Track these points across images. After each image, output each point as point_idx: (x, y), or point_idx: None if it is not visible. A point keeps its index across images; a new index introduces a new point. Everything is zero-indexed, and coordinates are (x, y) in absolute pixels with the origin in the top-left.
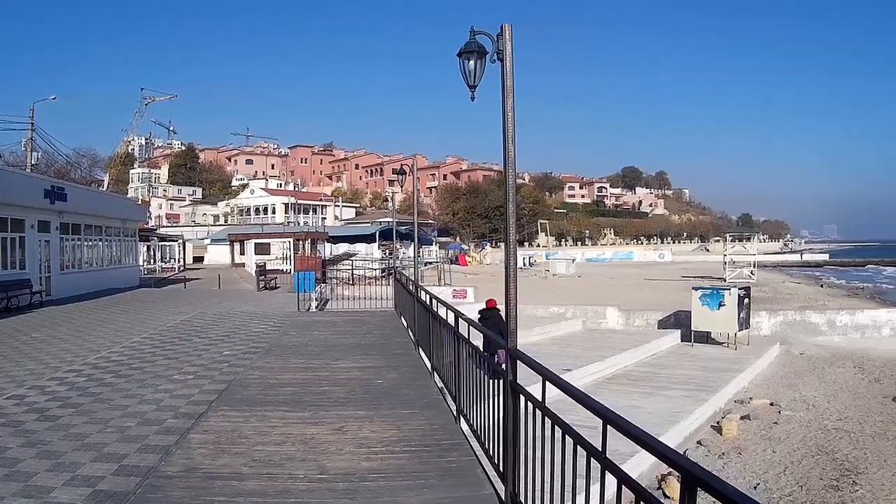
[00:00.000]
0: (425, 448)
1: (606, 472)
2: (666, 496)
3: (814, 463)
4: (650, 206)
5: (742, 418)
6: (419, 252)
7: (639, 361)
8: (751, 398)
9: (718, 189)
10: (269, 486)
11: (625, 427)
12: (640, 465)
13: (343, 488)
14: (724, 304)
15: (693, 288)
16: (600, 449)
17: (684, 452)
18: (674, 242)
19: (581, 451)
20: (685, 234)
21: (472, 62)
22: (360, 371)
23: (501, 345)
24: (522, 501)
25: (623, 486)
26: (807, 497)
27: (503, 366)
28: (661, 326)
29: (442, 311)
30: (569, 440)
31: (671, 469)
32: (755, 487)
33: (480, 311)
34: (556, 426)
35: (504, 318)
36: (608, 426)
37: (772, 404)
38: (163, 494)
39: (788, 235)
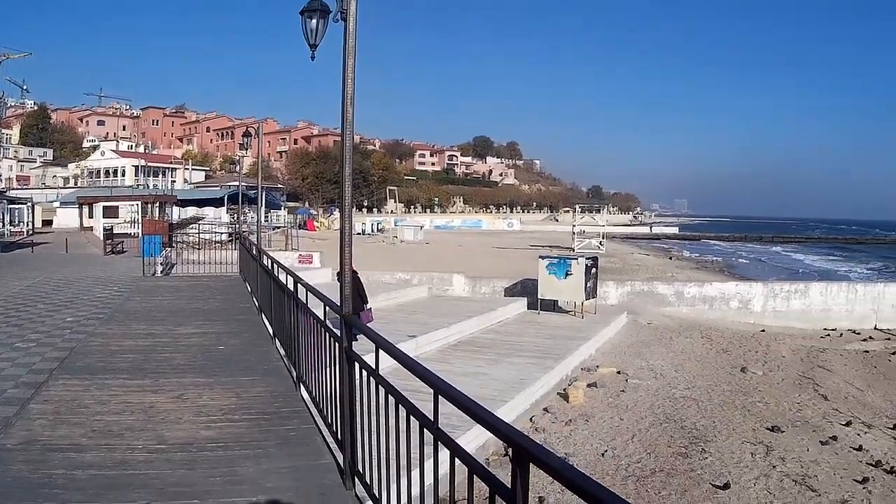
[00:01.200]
0: (265, 416)
1: (440, 444)
2: None
3: (662, 430)
4: (500, 175)
5: (589, 386)
6: (268, 217)
7: (485, 328)
8: (598, 366)
9: (570, 161)
10: (107, 458)
11: (456, 398)
12: (486, 431)
13: (181, 458)
14: (571, 274)
15: (540, 257)
16: (433, 419)
17: (531, 419)
18: (523, 212)
19: (416, 423)
20: (535, 204)
21: (314, 21)
22: (202, 337)
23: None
24: (361, 471)
25: (456, 459)
26: (656, 464)
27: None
28: (508, 294)
29: (284, 277)
30: (403, 410)
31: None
32: (603, 454)
33: (338, 274)
34: (389, 395)
35: (344, 282)
36: (439, 396)
37: (619, 372)
38: (2, 469)
39: (639, 208)
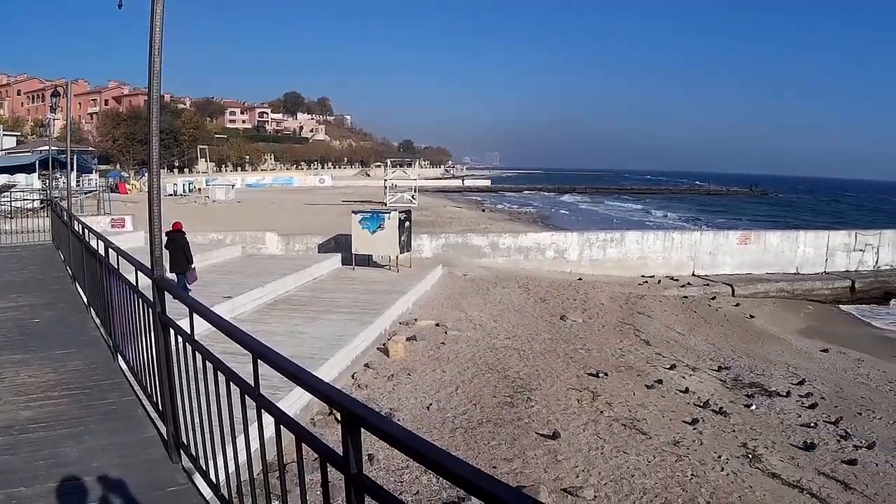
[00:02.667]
0: (84, 391)
1: (263, 410)
2: (338, 421)
3: (486, 381)
4: (311, 132)
5: (409, 339)
6: (79, 181)
7: (300, 286)
8: (416, 319)
9: (381, 116)
10: None
11: (277, 362)
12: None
13: (3, 443)
14: (383, 228)
15: (353, 212)
16: (253, 385)
17: (353, 376)
18: (335, 168)
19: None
20: (346, 159)
21: None
22: (17, 311)
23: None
24: (185, 443)
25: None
26: (482, 415)
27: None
28: (322, 250)
29: (95, 242)
30: (223, 376)
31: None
32: (428, 408)
33: (167, 233)
34: (207, 361)
35: (154, 244)
36: (258, 360)
37: (438, 325)
38: None
39: (450, 162)
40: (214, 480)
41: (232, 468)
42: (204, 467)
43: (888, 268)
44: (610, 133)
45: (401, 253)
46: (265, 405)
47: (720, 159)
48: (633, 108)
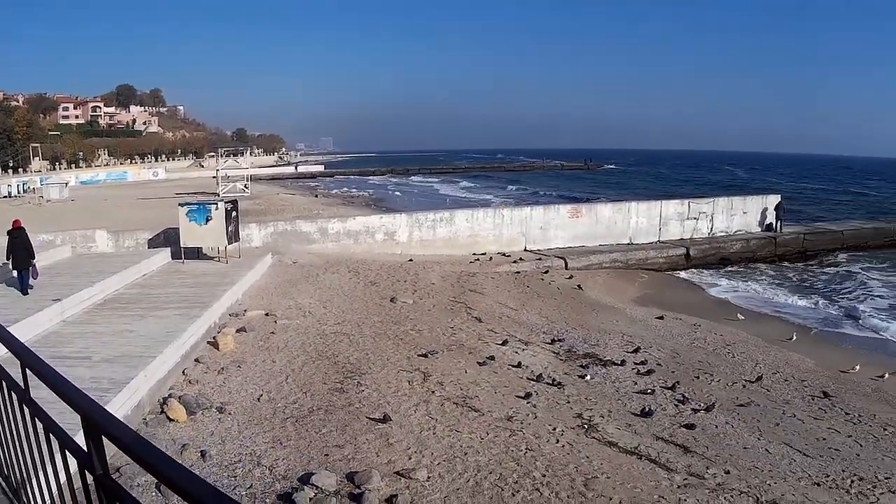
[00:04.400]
0: None
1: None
2: (170, 419)
3: (316, 368)
4: (144, 124)
5: (238, 331)
6: None
7: (129, 283)
8: (245, 310)
9: (214, 105)
10: None
11: (40, 370)
12: (139, 390)
13: None
14: (211, 219)
15: (180, 204)
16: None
17: (184, 372)
18: (168, 160)
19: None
20: (180, 150)
21: None
22: None
23: None
24: None
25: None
26: (313, 402)
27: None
28: (152, 245)
29: None
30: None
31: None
32: (259, 399)
33: (8, 232)
34: None
35: None
36: (27, 368)
37: (267, 314)
38: None
39: (284, 149)
40: None
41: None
42: None
43: (723, 234)
44: (450, 114)
45: (229, 244)
46: (36, 411)
47: (558, 135)
48: (467, 87)
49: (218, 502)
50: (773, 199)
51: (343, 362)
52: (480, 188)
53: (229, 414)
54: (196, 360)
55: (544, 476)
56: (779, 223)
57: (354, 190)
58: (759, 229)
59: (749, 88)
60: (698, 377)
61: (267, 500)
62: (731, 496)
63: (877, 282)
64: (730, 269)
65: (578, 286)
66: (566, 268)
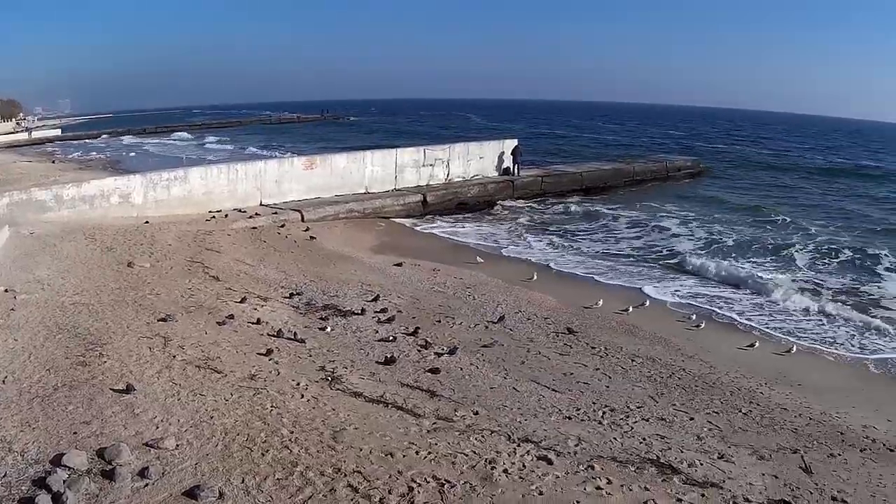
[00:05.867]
0: None
1: None
2: None
3: (57, 343)
4: None
5: None
6: None
7: None
8: None
9: None
10: None
11: None
12: None
13: None
14: None
15: None
16: None
17: None
18: None
19: None
20: None
21: None
22: None
23: None
24: None
25: None
26: (57, 379)
27: None
28: None
29: None
30: None
31: None
32: (3, 381)
33: None
34: None
35: None
36: None
37: (6, 290)
38: None
39: (21, 114)
40: None
41: None
42: None
43: (459, 179)
44: (194, 70)
45: None
46: None
47: (296, 88)
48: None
49: None
50: (510, 144)
51: (84, 334)
52: (213, 143)
53: None
54: None
55: (292, 433)
56: (516, 167)
57: (94, 154)
58: (497, 174)
59: (487, 40)
60: (440, 321)
61: (22, 488)
62: (483, 436)
63: (616, 222)
64: (468, 213)
65: (314, 238)
66: (302, 220)
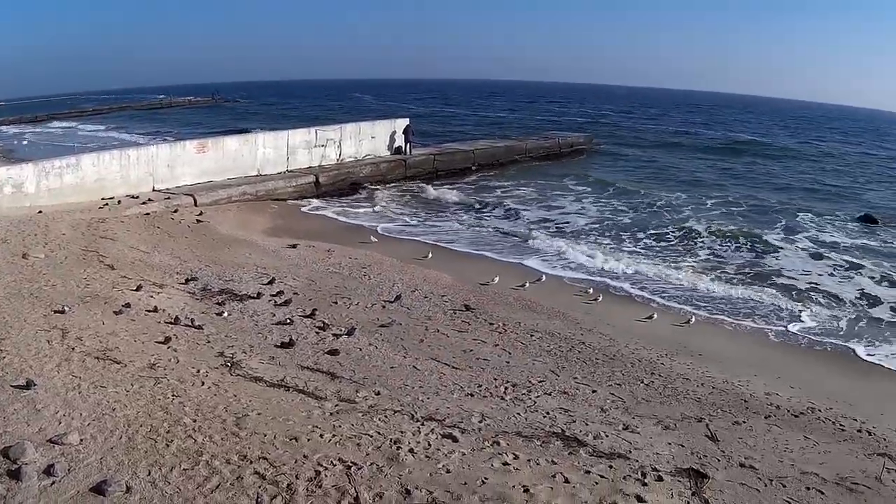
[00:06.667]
0: None
1: None
2: None
3: None
4: None
5: None
6: None
7: None
8: None
9: None
10: None
11: None
12: None
13: None
14: None
15: None
16: None
17: None
18: None
19: None
20: None
21: None
22: None
23: None
24: None
25: None
26: None
27: None
28: None
29: None
30: None
31: None
32: None
33: None
34: None
35: None
36: None
37: None
38: None
39: None
40: None
41: None
42: None
43: (351, 160)
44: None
45: None
46: None
47: (187, 71)
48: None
49: None
50: (402, 123)
51: None
52: (106, 129)
53: None
54: None
55: (195, 421)
56: (408, 146)
57: None
58: (389, 153)
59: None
60: (336, 302)
61: None
62: (386, 416)
63: (508, 199)
64: (361, 193)
65: (208, 222)
66: (196, 205)
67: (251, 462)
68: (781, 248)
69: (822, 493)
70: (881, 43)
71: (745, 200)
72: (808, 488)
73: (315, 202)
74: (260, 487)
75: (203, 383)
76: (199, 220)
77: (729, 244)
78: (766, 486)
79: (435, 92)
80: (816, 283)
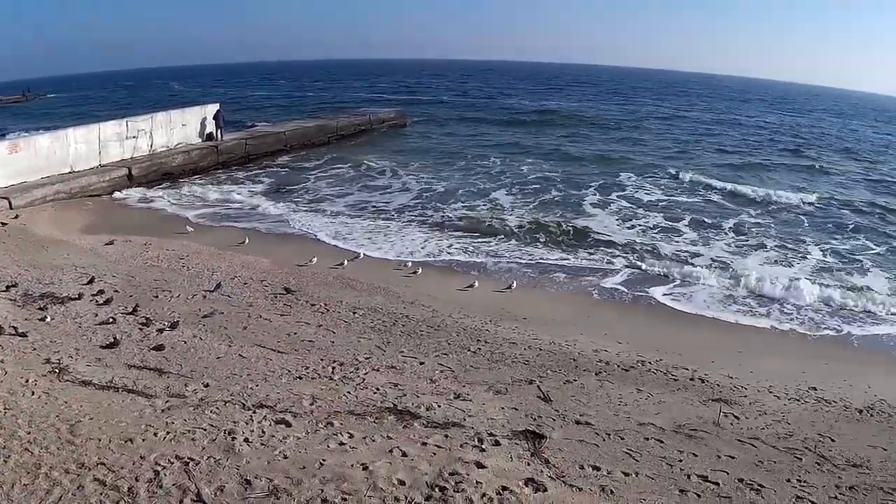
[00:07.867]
0: None
1: None
2: None
3: None
4: None
5: None
6: None
7: None
8: None
9: None
10: None
11: None
12: None
13: None
14: None
15: None
16: None
17: None
18: None
19: None
20: None
21: None
22: None
23: None
24: None
25: None
26: None
27: None
28: None
29: None
30: None
31: None
32: None
33: None
34: None
35: None
36: None
37: None
38: None
39: None
40: None
41: None
42: None
43: (163, 149)
44: None
45: None
46: None
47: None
48: None
49: None
50: (212, 109)
51: None
52: None
53: None
54: None
55: (29, 433)
56: (219, 131)
57: None
58: (200, 140)
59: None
60: (157, 296)
61: None
62: (217, 408)
63: (321, 178)
64: (173, 183)
65: (24, 224)
66: (11, 207)
67: (90, 469)
68: (595, 210)
69: (662, 441)
70: None
71: (561, 165)
72: (647, 438)
73: (130, 195)
74: (102, 494)
75: (33, 393)
76: (14, 224)
77: (545, 206)
78: (604, 440)
79: (252, 75)
80: (633, 240)
